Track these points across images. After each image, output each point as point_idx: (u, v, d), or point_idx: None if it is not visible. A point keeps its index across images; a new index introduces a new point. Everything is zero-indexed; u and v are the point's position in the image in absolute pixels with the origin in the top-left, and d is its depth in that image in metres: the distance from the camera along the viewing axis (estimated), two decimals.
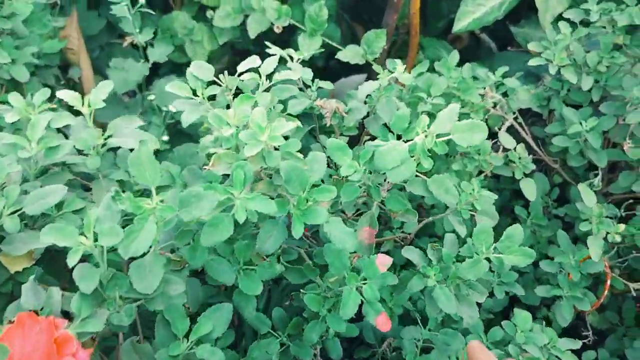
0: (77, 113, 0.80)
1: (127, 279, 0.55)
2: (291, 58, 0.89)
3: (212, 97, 0.76)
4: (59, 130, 0.82)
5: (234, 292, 0.66)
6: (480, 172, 1.07)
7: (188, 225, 0.59)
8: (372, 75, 1.28)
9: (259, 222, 0.60)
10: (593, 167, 1.08)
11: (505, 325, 0.82)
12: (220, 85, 0.73)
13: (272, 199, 0.58)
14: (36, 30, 1.14)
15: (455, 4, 1.37)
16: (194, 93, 0.71)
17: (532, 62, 1.09)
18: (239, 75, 0.74)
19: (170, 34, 1.49)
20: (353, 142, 1.01)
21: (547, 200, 1.17)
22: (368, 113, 0.89)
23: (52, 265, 0.71)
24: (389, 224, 0.97)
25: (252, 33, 1.34)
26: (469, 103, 1.03)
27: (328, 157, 0.67)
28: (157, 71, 1.52)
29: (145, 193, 0.82)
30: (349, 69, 1.39)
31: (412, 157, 0.62)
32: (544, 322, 0.91)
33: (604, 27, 1.09)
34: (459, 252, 0.69)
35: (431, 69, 1.08)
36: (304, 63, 0.93)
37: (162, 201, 0.54)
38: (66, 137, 0.84)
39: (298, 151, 0.67)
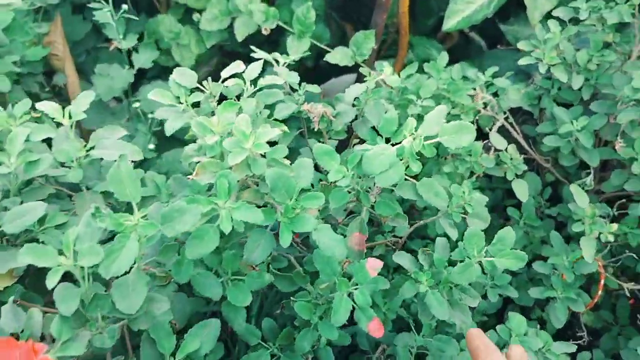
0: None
1: (109, 299, 0.53)
2: (277, 62, 0.88)
3: (196, 104, 0.74)
4: (44, 139, 0.80)
5: (223, 304, 0.64)
6: (472, 174, 1.06)
7: (172, 239, 0.57)
8: (362, 75, 1.27)
9: (246, 231, 0.58)
10: (585, 166, 1.08)
11: (499, 330, 0.81)
12: (204, 92, 0.71)
13: (259, 207, 0.57)
14: (18, 38, 1.11)
15: (444, 1, 1.36)
16: (178, 100, 0.69)
17: (522, 62, 1.09)
18: (223, 81, 0.72)
19: (156, 37, 1.48)
20: (342, 145, 1.00)
21: (540, 200, 1.17)
22: (356, 116, 0.88)
23: (36, 281, 0.69)
24: (380, 228, 0.95)
25: (240, 36, 1.33)
26: (459, 104, 1.02)
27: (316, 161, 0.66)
28: (144, 74, 1.50)
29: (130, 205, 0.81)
30: (339, 69, 1.38)
31: (400, 160, 0.61)
32: (538, 326, 0.90)
33: (594, 25, 1.08)
34: (451, 256, 0.68)
35: (421, 69, 1.07)
36: (293, 64, 0.92)
37: (144, 217, 0.52)
38: (51, 146, 0.83)
39: (287, 154, 0.65)
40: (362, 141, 0.87)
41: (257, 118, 0.76)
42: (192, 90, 0.72)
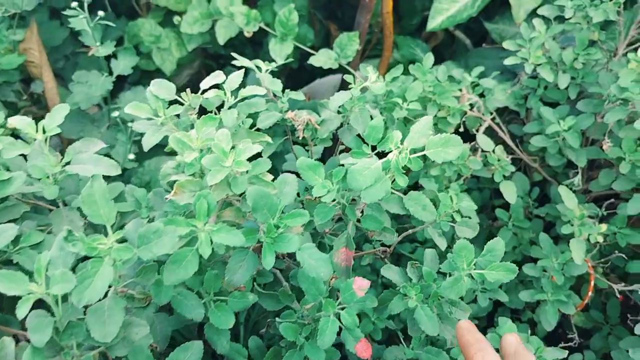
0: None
1: (84, 327, 0.51)
2: (259, 68, 0.86)
3: (177, 115, 0.72)
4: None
5: (206, 326, 0.62)
6: (459, 176, 1.05)
7: (151, 259, 0.55)
8: (348, 72, 1.25)
9: (228, 250, 0.56)
10: (572, 164, 1.07)
11: (489, 338, 0.80)
12: (183, 104, 0.69)
13: (241, 226, 0.55)
14: None
15: (428, 0, 1.34)
16: (156, 113, 0.67)
17: (508, 62, 1.07)
18: (203, 92, 0.70)
19: (136, 41, 1.44)
20: (328, 152, 0.99)
21: (528, 200, 1.16)
22: (342, 123, 0.86)
23: (13, 303, 0.66)
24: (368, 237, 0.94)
25: (221, 39, 1.30)
26: (446, 107, 1.01)
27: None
28: (125, 78, 1.47)
29: None
30: (325, 68, 1.35)
31: (386, 175, 0.59)
32: (529, 330, 0.89)
33: (579, 23, 1.07)
34: (440, 268, 0.66)
35: (406, 71, 1.05)
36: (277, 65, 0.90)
37: (119, 239, 0.50)
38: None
39: (269, 167, 0.63)
40: (348, 148, 0.85)
41: (240, 129, 0.74)
42: (170, 102, 0.69)
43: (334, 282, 0.65)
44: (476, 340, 0.56)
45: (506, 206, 1.13)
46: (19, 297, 0.51)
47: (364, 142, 0.75)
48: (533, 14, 1.17)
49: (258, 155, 0.68)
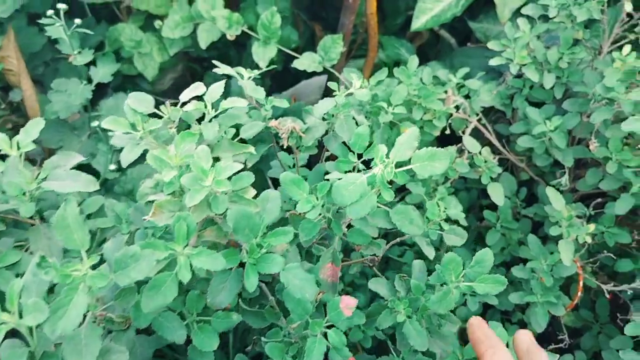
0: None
1: (59, 357, 0.49)
2: (241, 76, 0.84)
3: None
4: None
5: (189, 347, 0.60)
6: (447, 179, 1.04)
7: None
8: (333, 75, 1.23)
9: (208, 273, 0.55)
10: (559, 163, 1.07)
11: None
12: (162, 117, 0.67)
13: (224, 246, 0.53)
14: None
15: (413, 0, 1.33)
16: (134, 128, 0.65)
17: (493, 62, 1.07)
18: (182, 105, 0.68)
19: (117, 46, 1.42)
20: (314, 158, 0.97)
21: (516, 200, 1.15)
22: (327, 131, 0.84)
23: None
24: None
25: (203, 43, 1.28)
26: (431, 110, 1.00)
27: None
28: (107, 83, 1.44)
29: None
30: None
31: (372, 189, 0.58)
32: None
33: (563, 22, 1.06)
34: (428, 280, 0.65)
35: (391, 72, 1.04)
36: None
37: (94, 266, 0.48)
38: None
39: (252, 181, 0.62)
40: (334, 156, 0.84)
41: (222, 140, 0.72)
42: (150, 116, 0.67)
43: (321, 297, 0.64)
44: (487, 337, 0.56)
45: (494, 206, 1.12)
46: None
47: (350, 150, 0.74)
48: (517, 12, 1.16)
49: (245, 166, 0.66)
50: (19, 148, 0.69)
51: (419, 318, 0.63)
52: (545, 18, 1.09)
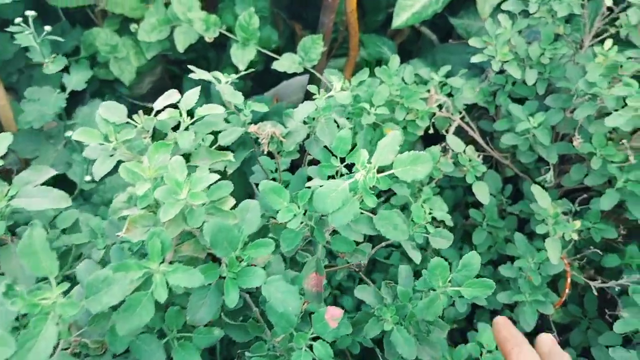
0: None
1: None
2: (219, 80, 0.82)
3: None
4: None
5: None
6: (431, 179, 1.03)
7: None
8: (314, 75, 1.22)
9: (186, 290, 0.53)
10: (544, 160, 1.06)
11: (470, 348, 0.78)
12: (136, 126, 0.65)
13: (204, 260, 0.51)
14: None
15: None
16: (107, 139, 0.63)
17: (475, 59, 1.05)
18: (157, 113, 0.65)
19: (92, 51, 1.38)
20: (296, 162, 0.95)
21: (501, 198, 1.15)
22: (308, 134, 0.82)
23: None
24: None
25: (181, 46, 1.25)
26: (414, 110, 0.98)
27: None
28: (85, 89, 1.40)
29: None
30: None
31: (354, 196, 0.56)
32: None
33: (544, 17, 1.06)
34: (415, 285, 0.64)
35: (373, 70, 1.02)
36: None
37: (65, 292, 0.46)
38: None
39: (232, 189, 0.60)
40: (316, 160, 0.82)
41: (200, 147, 0.70)
42: (123, 125, 0.65)
43: (306, 306, 0.62)
44: (513, 336, 0.56)
45: (480, 203, 1.11)
46: None
47: (333, 154, 0.72)
48: (498, 8, 1.15)
49: (221, 174, 0.64)
50: None
51: (407, 325, 0.61)
52: (526, 13, 1.08)
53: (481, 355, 0.78)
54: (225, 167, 0.78)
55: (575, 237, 0.94)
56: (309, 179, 0.79)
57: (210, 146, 0.74)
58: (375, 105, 0.94)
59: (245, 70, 1.13)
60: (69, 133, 0.99)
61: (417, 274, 0.71)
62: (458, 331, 1.15)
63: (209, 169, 0.68)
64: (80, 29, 1.44)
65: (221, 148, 0.76)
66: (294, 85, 1.72)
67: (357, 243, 0.70)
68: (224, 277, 0.52)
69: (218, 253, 0.51)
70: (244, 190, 1.20)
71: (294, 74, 1.49)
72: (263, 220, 0.71)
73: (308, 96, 0.82)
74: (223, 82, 0.82)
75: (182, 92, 0.70)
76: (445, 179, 1.27)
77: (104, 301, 0.45)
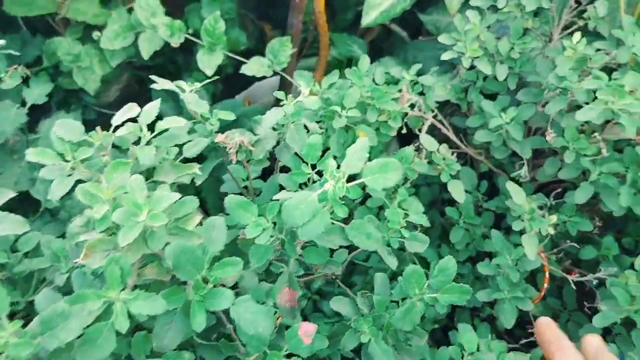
0: None
1: None
2: (182, 89, 0.79)
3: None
4: None
5: None
6: (406, 180, 1.02)
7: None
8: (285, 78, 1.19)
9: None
10: (518, 154, 1.05)
11: (451, 350, 0.77)
12: (93, 144, 0.62)
13: (169, 283, 0.49)
14: None
15: None
16: (63, 158, 0.60)
17: (445, 57, 1.04)
18: (115, 129, 0.63)
19: (55, 60, 1.34)
20: (268, 169, 0.93)
21: (477, 194, 1.14)
22: (278, 141, 0.80)
23: None
24: None
25: (145, 53, 1.21)
26: (386, 111, 0.97)
27: None
28: (49, 99, 1.36)
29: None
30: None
31: (324, 207, 0.54)
32: (490, 335, 0.87)
33: (512, 12, 1.05)
34: (392, 294, 0.62)
35: (344, 70, 1.00)
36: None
37: (21, 328, 0.43)
38: None
39: (197, 205, 0.58)
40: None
41: (163, 162, 0.68)
42: (80, 143, 0.62)
43: (281, 320, 0.60)
44: (557, 338, 0.55)
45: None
46: None
47: (303, 161, 0.70)
48: (466, 3, 1.14)
49: (185, 187, 0.62)
50: None
51: (385, 336, 0.60)
52: (494, 9, 1.07)
53: (462, 358, 0.78)
54: (193, 179, 0.76)
55: (552, 231, 0.94)
56: (282, 187, 0.77)
57: (176, 159, 0.72)
58: (346, 107, 0.92)
59: (213, 75, 1.11)
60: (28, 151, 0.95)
61: (396, 276, 0.70)
62: (440, 329, 1.15)
63: (175, 183, 0.66)
64: (41, 38, 1.39)
65: (188, 160, 0.74)
66: (266, 86, 1.69)
67: (332, 250, 0.69)
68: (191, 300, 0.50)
69: (182, 276, 0.49)
70: (217, 197, 1.17)
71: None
72: (235, 231, 0.69)
73: (277, 101, 0.80)
74: (187, 92, 0.79)
75: (150, 99, 0.68)
76: (421, 177, 1.26)
77: (61, 337, 0.43)
